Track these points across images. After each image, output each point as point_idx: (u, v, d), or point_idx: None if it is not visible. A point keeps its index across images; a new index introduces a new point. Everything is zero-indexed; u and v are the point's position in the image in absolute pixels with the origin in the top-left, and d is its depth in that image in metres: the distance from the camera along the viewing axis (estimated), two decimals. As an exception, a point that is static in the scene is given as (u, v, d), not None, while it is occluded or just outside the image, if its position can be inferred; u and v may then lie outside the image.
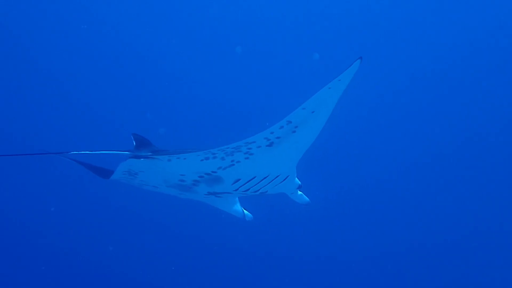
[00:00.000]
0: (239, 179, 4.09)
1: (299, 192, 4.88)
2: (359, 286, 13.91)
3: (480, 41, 17.11)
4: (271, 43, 18.57)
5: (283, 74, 18.26)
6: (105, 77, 17.32)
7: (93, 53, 17.40)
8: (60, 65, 17.09)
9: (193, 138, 15.95)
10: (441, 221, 15.05)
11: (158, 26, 18.34)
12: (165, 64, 18.23)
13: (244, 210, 5.05)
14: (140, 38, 18.14)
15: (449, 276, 14.15)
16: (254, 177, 4.12)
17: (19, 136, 15.00)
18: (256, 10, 18.50)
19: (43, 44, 17.12)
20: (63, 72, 17.06)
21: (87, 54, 17.33)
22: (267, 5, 18.37)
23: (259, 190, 4.35)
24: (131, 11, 17.87)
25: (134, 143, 3.89)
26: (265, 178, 4.18)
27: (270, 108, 16.03)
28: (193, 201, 4.93)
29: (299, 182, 4.72)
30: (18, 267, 13.04)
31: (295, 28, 18.50)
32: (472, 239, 14.72)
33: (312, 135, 3.77)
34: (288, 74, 18.22)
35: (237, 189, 4.26)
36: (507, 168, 15.79)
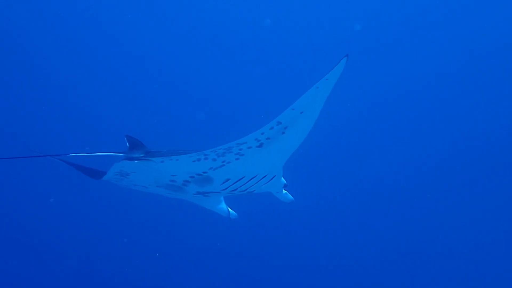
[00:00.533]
0: (228, 179, 4.17)
1: (284, 191, 5.01)
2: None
3: (475, 40, 17.27)
4: (263, 43, 18.69)
5: (273, 73, 18.34)
6: (93, 76, 17.16)
7: (86, 52, 17.28)
8: (51, 64, 16.88)
9: (185, 137, 15.89)
10: (432, 222, 15.08)
11: (151, 27, 18.26)
12: (157, 64, 18.16)
13: (229, 209, 5.16)
14: (134, 38, 18.06)
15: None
16: (243, 177, 4.20)
17: (10, 137, 14.73)
18: (248, 10, 18.55)
19: (37, 44, 16.94)
20: (52, 72, 16.83)
21: (79, 53, 17.20)
22: (260, 5, 18.46)
23: (246, 189, 4.44)
24: (125, 10, 17.77)
25: (128, 145, 3.91)
26: (253, 178, 4.26)
27: (260, 107, 16.02)
28: (179, 200, 5.00)
29: (285, 181, 4.83)
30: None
31: (287, 27, 18.60)
32: (466, 240, 14.68)
33: (300, 136, 3.83)
34: (278, 73, 18.29)
35: (226, 188, 4.33)
36: (499, 166, 15.90)
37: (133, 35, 18.08)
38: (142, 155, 3.82)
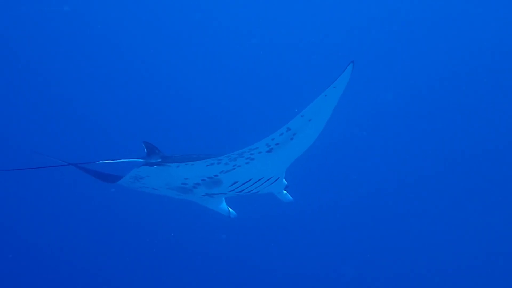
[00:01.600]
0: (236, 182, 4.34)
1: (284, 192, 5.23)
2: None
3: (480, 46, 17.15)
4: (272, 45, 18.66)
5: (281, 77, 18.26)
6: (101, 81, 17.16)
7: (92, 57, 17.32)
8: (55, 67, 16.89)
9: (190, 140, 15.83)
10: (433, 227, 14.97)
11: (160, 31, 18.28)
12: (166, 68, 18.14)
13: (229, 208, 5.35)
14: (141, 42, 18.08)
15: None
16: (250, 180, 4.38)
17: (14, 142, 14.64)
18: (259, 12, 18.60)
19: (45, 47, 17.01)
20: (55, 74, 16.85)
21: (87, 58, 17.24)
22: (270, 7, 18.47)
23: (251, 190, 4.63)
24: (133, 16, 17.87)
25: (146, 151, 4.05)
26: (259, 180, 4.44)
27: (268, 111, 16.07)
28: (183, 200, 5.17)
29: (286, 183, 5.04)
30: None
31: (296, 30, 18.60)
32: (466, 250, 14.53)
33: (308, 142, 4.00)
34: (286, 77, 18.21)
35: (233, 190, 4.51)
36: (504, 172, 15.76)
37: (141, 38, 18.16)
38: (159, 160, 3.97)
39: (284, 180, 4.95)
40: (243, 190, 4.55)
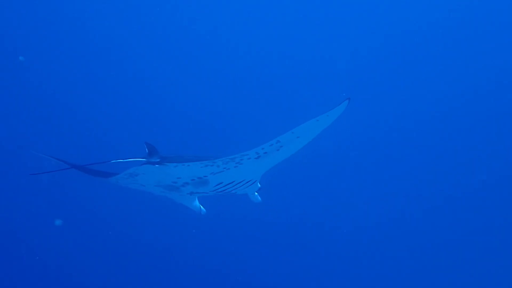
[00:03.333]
0: (221, 183, 4.72)
1: (256, 194, 5.68)
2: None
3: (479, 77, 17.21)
4: (272, 48, 18.60)
5: (276, 82, 18.10)
6: (96, 81, 16.84)
7: (90, 57, 17.02)
8: (51, 65, 16.50)
9: (180, 141, 15.68)
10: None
11: (161, 34, 18.13)
12: (165, 70, 17.92)
13: (201, 206, 5.71)
14: (141, 44, 17.79)
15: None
16: (233, 181, 4.78)
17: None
18: (262, 13, 18.47)
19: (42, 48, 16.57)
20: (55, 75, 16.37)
21: (84, 58, 16.92)
22: (275, 10, 18.36)
23: (231, 191, 5.04)
24: (135, 18, 17.68)
25: (147, 151, 4.26)
26: (240, 182, 4.86)
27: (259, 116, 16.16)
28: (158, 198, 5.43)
29: (259, 185, 5.49)
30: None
31: (296, 32, 18.48)
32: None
33: (290, 153, 4.48)
34: (279, 82, 18.05)
35: (216, 190, 4.88)
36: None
37: (142, 41, 17.93)
38: (158, 160, 4.22)
39: (258, 183, 5.38)
40: (224, 190, 4.93)
